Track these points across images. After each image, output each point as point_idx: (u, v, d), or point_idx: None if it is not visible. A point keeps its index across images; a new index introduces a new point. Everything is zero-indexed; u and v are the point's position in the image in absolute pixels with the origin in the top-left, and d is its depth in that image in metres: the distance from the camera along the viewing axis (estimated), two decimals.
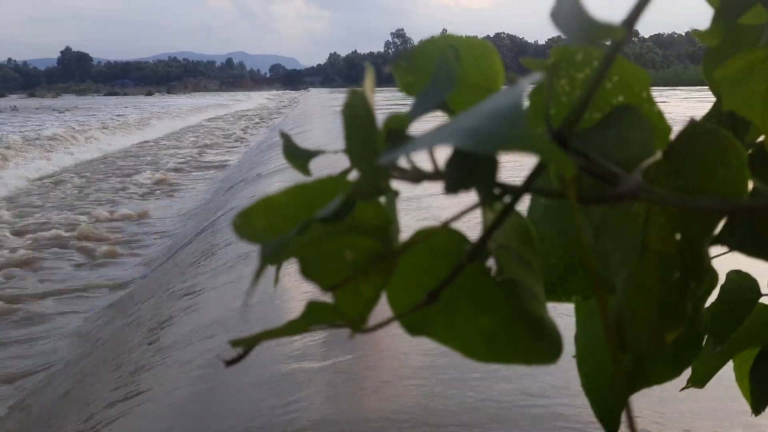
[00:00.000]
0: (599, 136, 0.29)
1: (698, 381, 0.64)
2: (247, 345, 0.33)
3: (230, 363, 0.35)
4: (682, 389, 0.66)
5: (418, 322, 0.33)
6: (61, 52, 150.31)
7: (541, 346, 0.34)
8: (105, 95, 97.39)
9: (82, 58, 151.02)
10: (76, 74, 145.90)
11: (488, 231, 0.27)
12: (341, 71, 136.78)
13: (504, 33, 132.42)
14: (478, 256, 0.28)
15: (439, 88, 0.26)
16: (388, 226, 0.27)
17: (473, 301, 0.32)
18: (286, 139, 0.34)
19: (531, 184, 0.24)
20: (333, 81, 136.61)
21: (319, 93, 57.96)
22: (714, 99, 0.44)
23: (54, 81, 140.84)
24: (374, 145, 0.27)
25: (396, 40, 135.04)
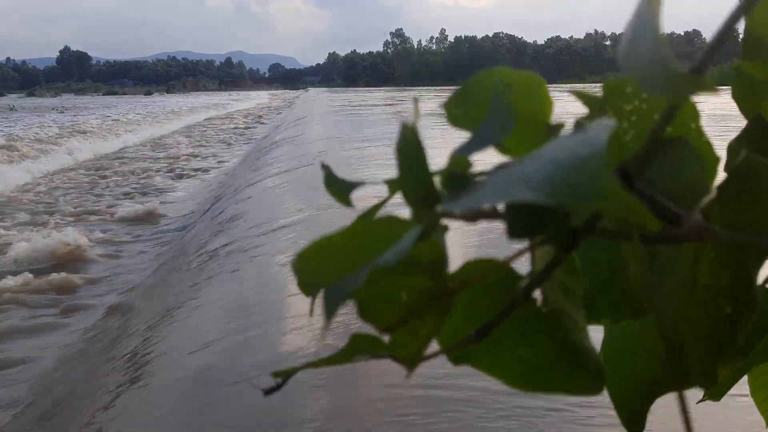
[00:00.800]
0: (649, 169, 0.29)
1: (715, 393, 0.63)
2: (287, 375, 0.33)
3: (268, 392, 0.35)
4: (699, 402, 0.66)
5: (462, 353, 0.33)
6: (60, 52, 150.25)
7: (584, 377, 0.34)
8: (104, 94, 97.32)
9: (81, 58, 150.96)
10: (75, 73, 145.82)
11: (546, 271, 0.26)
12: (340, 71, 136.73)
13: (503, 33, 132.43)
14: (532, 293, 0.28)
15: (496, 128, 0.25)
16: (442, 263, 0.27)
17: (518, 331, 0.32)
18: (326, 170, 0.33)
19: (595, 225, 0.24)
20: (332, 80, 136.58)
21: (319, 93, 57.99)
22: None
23: (53, 80, 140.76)
24: (429, 184, 0.26)
25: (395, 39, 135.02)
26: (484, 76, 0.29)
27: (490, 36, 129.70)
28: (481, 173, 0.25)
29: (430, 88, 75.49)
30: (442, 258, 0.26)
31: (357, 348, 0.30)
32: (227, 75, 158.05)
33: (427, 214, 0.26)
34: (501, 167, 0.23)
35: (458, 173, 0.24)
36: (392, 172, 0.29)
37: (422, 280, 0.26)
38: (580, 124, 0.22)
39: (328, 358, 0.31)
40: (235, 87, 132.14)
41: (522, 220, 0.22)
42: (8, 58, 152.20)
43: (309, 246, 0.25)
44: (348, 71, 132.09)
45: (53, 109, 36.33)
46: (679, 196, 0.26)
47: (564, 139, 0.21)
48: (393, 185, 0.33)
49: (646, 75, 0.19)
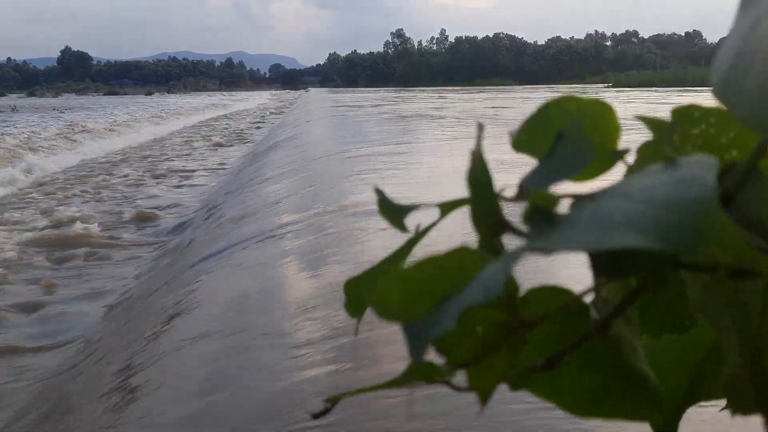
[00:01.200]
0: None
1: None
2: (337, 401, 0.33)
3: (317, 416, 0.35)
4: (722, 410, 0.65)
5: (521, 379, 0.32)
6: (61, 52, 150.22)
7: (642, 401, 0.33)
8: (105, 94, 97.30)
9: (82, 58, 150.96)
10: (75, 74, 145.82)
11: (622, 306, 0.26)
12: (341, 71, 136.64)
13: (503, 33, 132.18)
14: (607, 329, 0.27)
15: (572, 160, 0.25)
16: (515, 295, 0.26)
17: (579, 358, 0.32)
18: (380, 194, 0.33)
19: (679, 260, 0.23)
20: (332, 81, 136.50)
21: (319, 93, 57.99)
22: None
23: (53, 80, 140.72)
24: (498, 212, 0.26)
25: (395, 39, 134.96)
26: (552, 105, 0.28)
27: (490, 36, 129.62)
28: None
29: (429, 88, 75.55)
30: (515, 290, 0.26)
31: (414, 374, 0.30)
32: (228, 75, 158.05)
33: (497, 243, 0.26)
34: (584, 201, 0.23)
35: (543, 208, 0.24)
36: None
37: (497, 314, 0.26)
38: (670, 160, 0.21)
39: (384, 384, 0.31)
40: (235, 87, 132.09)
41: (609, 259, 0.22)
42: (9, 58, 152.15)
43: (385, 280, 0.24)
44: (348, 71, 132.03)
45: (54, 109, 36.44)
46: (760, 227, 0.26)
47: (658, 176, 0.21)
48: (444, 208, 0.33)
49: (753, 113, 0.19)
